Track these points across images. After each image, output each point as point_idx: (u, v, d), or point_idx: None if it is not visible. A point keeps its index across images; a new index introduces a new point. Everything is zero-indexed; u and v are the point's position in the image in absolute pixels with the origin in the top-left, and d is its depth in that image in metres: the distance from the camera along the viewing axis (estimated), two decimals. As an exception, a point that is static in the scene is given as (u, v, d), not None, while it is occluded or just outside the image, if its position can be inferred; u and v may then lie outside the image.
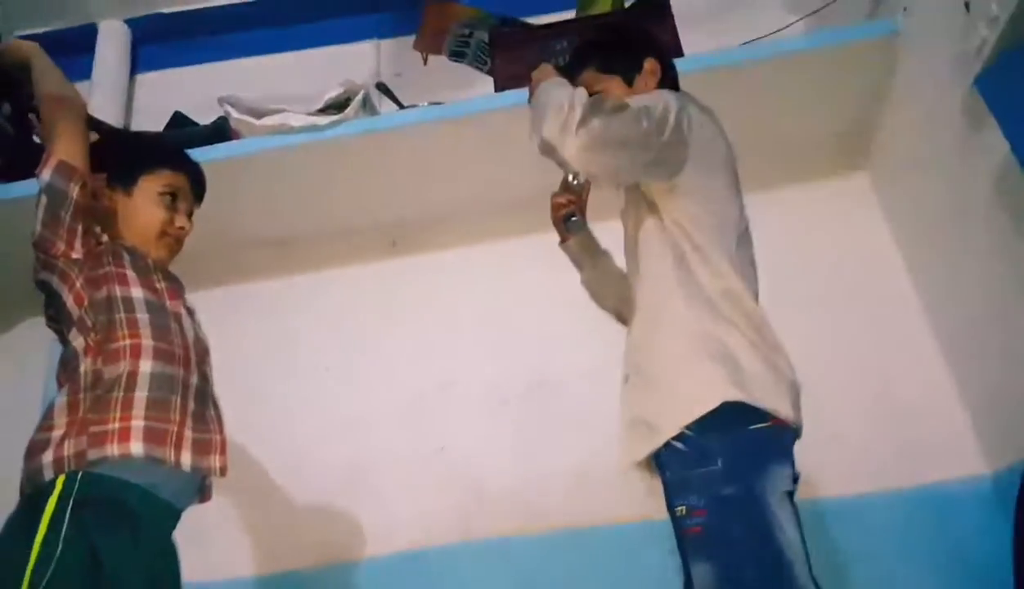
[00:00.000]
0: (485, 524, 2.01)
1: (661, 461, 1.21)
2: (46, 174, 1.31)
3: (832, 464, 1.90)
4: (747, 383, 1.17)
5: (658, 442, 1.20)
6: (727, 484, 1.12)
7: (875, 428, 1.96)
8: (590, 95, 1.31)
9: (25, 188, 1.88)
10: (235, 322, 2.22)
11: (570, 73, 1.39)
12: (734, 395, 1.16)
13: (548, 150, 1.19)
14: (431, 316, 2.28)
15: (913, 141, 1.99)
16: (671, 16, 2.09)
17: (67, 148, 1.34)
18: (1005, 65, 1.43)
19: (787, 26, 2.23)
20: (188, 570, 1.28)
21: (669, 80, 1.46)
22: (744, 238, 1.33)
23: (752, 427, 1.16)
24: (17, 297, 1.96)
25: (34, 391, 2.08)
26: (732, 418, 1.15)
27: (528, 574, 1.94)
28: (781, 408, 1.18)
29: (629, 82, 1.41)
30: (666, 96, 1.30)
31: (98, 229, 1.37)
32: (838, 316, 2.07)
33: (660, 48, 1.50)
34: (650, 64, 1.43)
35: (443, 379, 2.19)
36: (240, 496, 2.09)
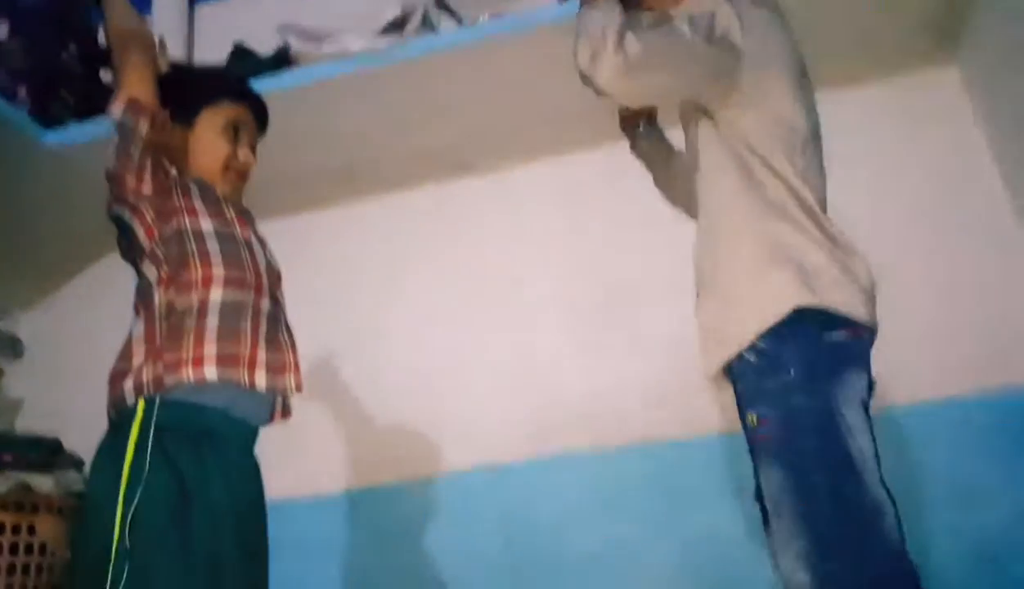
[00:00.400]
0: (559, 438, 2.06)
1: (734, 372, 1.20)
2: (116, 111, 1.32)
3: (915, 367, 1.86)
4: (818, 287, 1.14)
5: (729, 354, 1.18)
6: (799, 393, 1.11)
7: (960, 330, 1.90)
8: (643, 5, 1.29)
9: (97, 128, 1.93)
10: (305, 250, 2.29)
11: None
12: (806, 300, 1.13)
13: (584, 80, 1.18)
14: (502, 234, 2.29)
15: (1009, 30, 1.83)
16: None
17: (136, 84, 1.35)
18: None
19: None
20: (271, 488, 1.33)
21: None
22: (811, 142, 1.26)
23: (826, 334, 1.13)
24: (99, 234, 2.07)
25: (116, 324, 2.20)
26: (805, 325, 1.13)
27: (602, 485, 1.99)
28: (855, 311, 1.14)
29: None
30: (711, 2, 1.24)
31: (168, 164, 1.38)
32: (925, 218, 1.99)
33: None
34: None
35: (517, 297, 2.22)
36: (320, 416, 2.19)
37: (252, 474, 1.32)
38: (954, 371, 1.87)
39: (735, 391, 1.22)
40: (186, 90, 1.45)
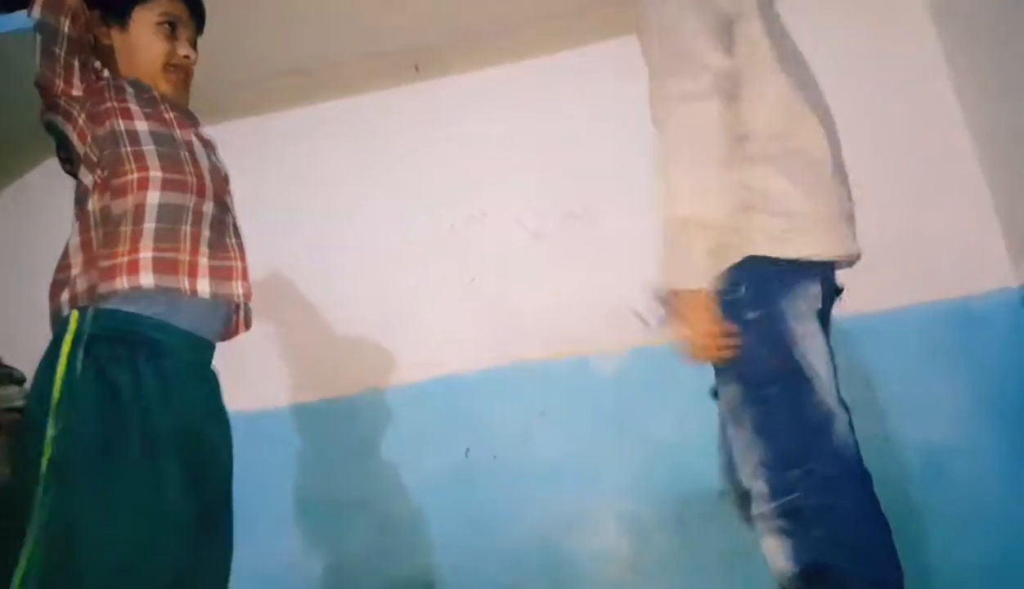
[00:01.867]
0: (518, 351, 2.07)
1: None
2: (36, 11, 1.24)
3: (862, 280, 1.90)
4: (776, 235, 1.17)
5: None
6: (750, 309, 1.16)
7: (906, 243, 1.94)
8: None
9: (21, 21, 1.78)
10: (260, 153, 2.21)
11: None
12: (759, 250, 1.17)
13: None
14: (458, 143, 2.22)
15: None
16: None
17: None
18: None
19: None
20: (228, 400, 1.31)
21: None
22: (774, 60, 1.24)
23: (777, 262, 1.17)
24: (31, 139, 1.94)
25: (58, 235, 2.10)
26: (759, 258, 1.17)
27: (562, 395, 2.02)
28: (813, 250, 1.18)
29: None
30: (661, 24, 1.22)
31: (99, 65, 1.32)
32: (874, 123, 1.98)
33: None
34: None
35: (474, 209, 2.18)
36: (276, 327, 2.15)
37: (204, 390, 1.27)
38: (896, 288, 1.91)
39: None
40: None
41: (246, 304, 1.33)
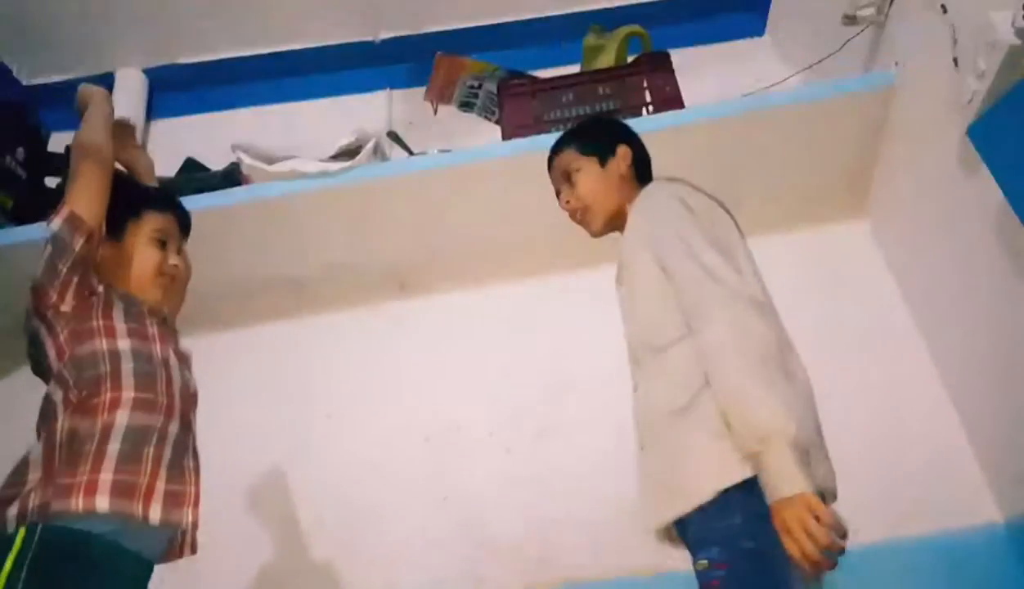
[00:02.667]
0: (495, 577, 1.95)
1: (683, 520, 1.21)
2: (56, 223, 1.30)
3: (840, 514, 1.88)
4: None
5: (684, 509, 1.19)
6: (746, 538, 1.13)
7: (883, 477, 1.92)
8: (567, 176, 1.52)
9: (29, 233, 1.90)
10: (243, 364, 2.23)
11: (554, 153, 1.58)
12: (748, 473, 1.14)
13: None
14: (437, 360, 2.26)
15: (909, 189, 2.03)
16: (672, 69, 2.16)
17: (81, 199, 1.33)
18: (995, 115, 1.47)
19: (785, 79, 2.31)
20: None
21: (639, 162, 1.58)
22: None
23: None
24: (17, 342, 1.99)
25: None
26: (752, 480, 1.15)
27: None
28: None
29: (603, 162, 1.54)
30: (683, 227, 1.32)
31: (95, 282, 1.34)
32: (843, 364, 2.04)
33: (632, 135, 1.62)
34: (622, 150, 1.56)
35: (448, 425, 2.17)
36: (242, 543, 2.05)
37: None
38: (876, 522, 1.84)
39: (684, 537, 1.23)
40: (112, 204, 1.41)
41: (193, 530, 1.29)
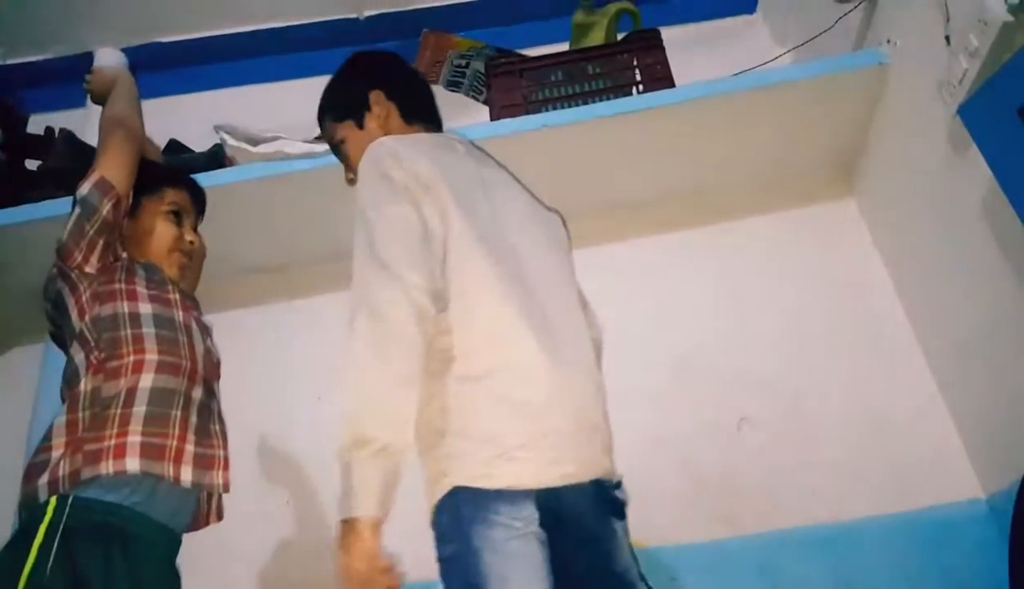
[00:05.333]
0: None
1: None
2: (85, 187, 1.33)
3: (824, 489, 1.91)
4: (467, 466, 1.10)
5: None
6: (446, 544, 1.10)
7: (867, 453, 1.96)
8: (335, 146, 1.36)
9: (8, 216, 1.88)
10: (231, 347, 2.20)
11: (321, 129, 1.44)
12: (462, 481, 1.09)
13: None
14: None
15: (899, 169, 2.03)
16: (663, 47, 2.13)
17: (112, 166, 1.36)
18: (986, 94, 1.47)
19: (776, 57, 2.29)
20: None
21: (411, 100, 1.39)
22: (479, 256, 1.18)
23: (480, 493, 1.08)
24: (10, 323, 1.97)
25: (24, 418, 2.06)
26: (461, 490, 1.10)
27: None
28: (521, 479, 1.08)
29: (360, 123, 1.37)
30: (370, 193, 1.16)
31: (120, 248, 1.39)
32: (828, 341, 2.09)
33: (380, 71, 1.41)
34: (375, 96, 1.37)
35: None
36: (238, 523, 2.05)
37: (171, 583, 1.24)
38: (858, 497, 1.90)
39: None
40: None
41: (220, 495, 1.31)
